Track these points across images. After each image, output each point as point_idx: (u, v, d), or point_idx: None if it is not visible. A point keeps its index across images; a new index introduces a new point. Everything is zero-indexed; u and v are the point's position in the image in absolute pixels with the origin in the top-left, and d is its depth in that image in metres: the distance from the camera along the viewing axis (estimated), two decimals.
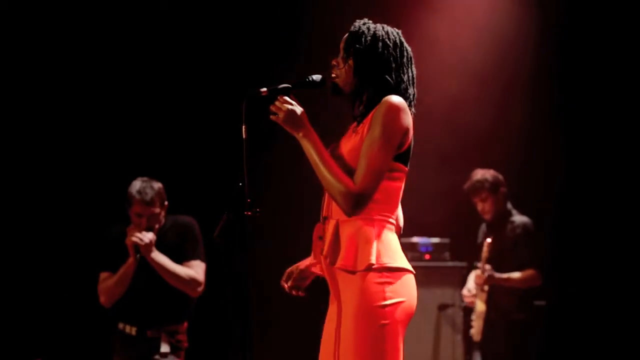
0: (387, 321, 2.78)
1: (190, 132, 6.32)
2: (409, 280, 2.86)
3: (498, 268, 5.46)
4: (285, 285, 3.07)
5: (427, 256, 6.08)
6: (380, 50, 2.91)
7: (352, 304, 2.81)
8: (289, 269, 3.09)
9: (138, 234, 4.50)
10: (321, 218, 2.97)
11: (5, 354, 6.05)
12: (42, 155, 6.21)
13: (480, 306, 5.52)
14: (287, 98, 2.89)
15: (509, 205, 5.64)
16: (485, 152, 6.14)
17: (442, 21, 6.19)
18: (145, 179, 4.64)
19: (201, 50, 6.31)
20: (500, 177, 5.62)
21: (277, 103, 2.88)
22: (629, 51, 6.05)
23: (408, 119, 2.84)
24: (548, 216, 6.19)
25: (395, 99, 2.83)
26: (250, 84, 3.02)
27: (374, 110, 2.85)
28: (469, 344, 5.82)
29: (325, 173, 2.82)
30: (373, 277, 2.80)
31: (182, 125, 6.31)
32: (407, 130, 2.84)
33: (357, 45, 2.91)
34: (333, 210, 2.91)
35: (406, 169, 2.91)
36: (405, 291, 2.83)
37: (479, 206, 5.65)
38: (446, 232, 5.96)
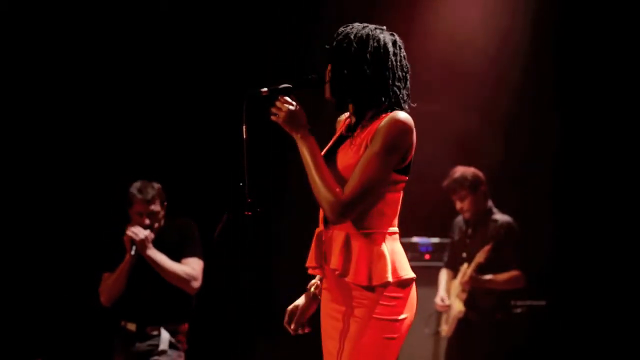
0: (395, 335, 2.81)
1: (190, 132, 6.32)
2: (414, 291, 2.89)
3: (480, 267, 5.43)
4: (290, 328, 3.03)
5: (427, 256, 6.08)
6: (344, 46, 2.86)
7: (362, 313, 2.81)
8: (289, 309, 3.06)
9: (134, 229, 4.58)
10: (321, 224, 2.95)
11: (5, 354, 6.05)
12: (43, 155, 6.21)
13: (458, 306, 5.49)
14: (287, 98, 2.89)
15: (490, 204, 5.60)
16: (487, 151, 6.13)
17: (437, 18, 6.20)
18: (144, 180, 4.75)
19: (201, 50, 6.31)
20: (481, 175, 5.54)
21: (277, 103, 2.88)
22: (626, 46, 6.03)
23: (412, 138, 2.81)
24: (547, 216, 6.19)
25: (402, 115, 2.80)
26: (251, 84, 3.02)
27: (376, 123, 2.82)
28: (437, 340, 5.83)
29: (316, 178, 2.81)
30: (388, 291, 2.81)
31: (183, 125, 6.31)
32: (409, 147, 2.82)
33: (337, 51, 2.88)
34: None
35: (407, 178, 2.89)
36: (411, 306, 2.86)
37: (458, 205, 5.58)
38: (446, 232, 5.96)
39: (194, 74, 6.31)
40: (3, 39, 6.10)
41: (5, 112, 6.16)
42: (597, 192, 6.14)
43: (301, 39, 6.15)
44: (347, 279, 2.83)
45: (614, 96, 6.07)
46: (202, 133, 6.31)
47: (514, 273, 5.43)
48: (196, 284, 4.70)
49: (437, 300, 5.64)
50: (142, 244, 4.56)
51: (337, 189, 2.78)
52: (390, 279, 2.79)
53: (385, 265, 2.80)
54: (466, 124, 6.23)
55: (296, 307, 3.06)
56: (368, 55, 2.84)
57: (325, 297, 2.95)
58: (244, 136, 2.90)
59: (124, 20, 6.23)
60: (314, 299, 3.06)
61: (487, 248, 5.37)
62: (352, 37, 2.86)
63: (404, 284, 2.84)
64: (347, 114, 3.03)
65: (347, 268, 2.82)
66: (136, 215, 4.68)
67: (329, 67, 2.92)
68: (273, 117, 2.89)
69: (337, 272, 2.84)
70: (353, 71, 2.85)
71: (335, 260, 2.84)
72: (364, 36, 2.86)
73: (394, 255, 2.84)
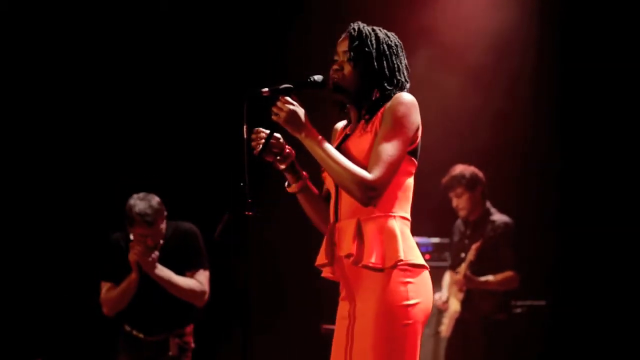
0: (409, 321, 2.82)
1: (191, 133, 6.32)
2: (427, 278, 2.92)
3: (479, 268, 5.42)
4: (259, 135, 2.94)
5: (427, 256, 6.07)
6: (387, 52, 2.94)
7: (374, 302, 2.82)
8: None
9: (139, 252, 4.46)
10: (332, 217, 2.97)
11: (5, 354, 6.05)
12: (45, 157, 6.21)
13: (455, 306, 5.50)
14: (288, 98, 2.89)
15: (488, 204, 5.60)
16: (487, 152, 6.13)
17: (441, 17, 6.19)
18: (141, 195, 4.54)
19: (201, 50, 6.31)
20: (480, 174, 5.55)
21: (278, 103, 2.88)
22: (632, 46, 6.02)
23: (419, 116, 2.89)
24: (549, 217, 6.19)
25: (407, 96, 2.88)
26: (251, 84, 3.02)
27: (383, 108, 2.88)
28: (437, 340, 5.83)
29: (336, 166, 2.83)
30: (397, 275, 2.82)
31: (183, 125, 6.31)
32: (418, 126, 2.89)
33: (366, 49, 2.93)
34: (343, 212, 2.92)
35: (416, 163, 2.95)
36: (424, 290, 2.89)
37: (454, 202, 5.60)
38: (446, 232, 5.96)
39: (194, 75, 6.31)
40: (3, 39, 6.09)
41: (4, 115, 6.15)
42: (599, 193, 6.13)
43: (302, 39, 6.15)
44: (360, 264, 2.83)
45: (621, 95, 6.06)
46: (202, 133, 6.31)
47: (507, 274, 5.44)
48: (204, 297, 4.67)
49: (436, 296, 5.64)
50: (149, 266, 4.47)
51: (362, 171, 2.81)
52: (402, 256, 2.81)
53: (396, 245, 2.83)
54: (470, 121, 6.23)
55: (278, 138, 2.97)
56: (405, 64, 2.98)
57: (341, 307, 2.96)
58: (245, 136, 2.90)
59: (123, 20, 6.23)
60: (287, 154, 2.98)
61: (475, 246, 5.39)
62: (390, 42, 2.95)
63: (414, 267, 2.85)
64: (343, 123, 3.10)
65: (360, 252, 2.84)
66: (137, 235, 4.50)
67: (353, 68, 2.93)
68: (274, 117, 2.89)
69: (351, 258, 2.85)
70: (396, 78, 2.94)
71: (347, 246, 2.86)
72: (398, 43, 2.97)
73: (405, 238, 2.87)
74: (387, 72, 2.93)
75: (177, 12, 6.30)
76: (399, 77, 2.94)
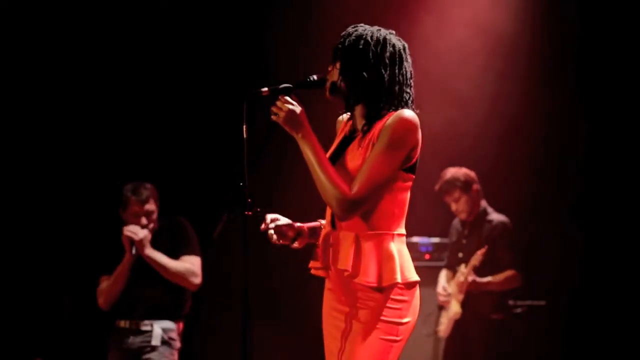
0: (399, 338, 2.83)
1: (190, 132, 6.31)
2: (418, 295, 2.91)
3: (479, 270, 5.42)
4: (267, 221, 2.94)
5: (427, 256, 6.07)
6: (360, 47, 2.87)
7: (367, 316, 2.82)
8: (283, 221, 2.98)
9: (131, 229, 4.62)
10: (328, 225, 2.95)
11: (5, 354, 6.05)
12: (41, 155, 6.21)
13: (455, 307, 5.50)
14: (288, 98, 2.89)
15: (484, 203, 5.60)
16: (487, 152, 6.12)
17: (444, 20, 6.18)
18: (136, 181, 4.79)
19: (201, 49, 6.31)
20: (472, 174, 5.55)
21: (278, 103, 2.88)
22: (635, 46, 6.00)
23: (418, 135, 2.84)
24: (550, 217, 6.19)
25: (407, 113, 2.82)
26: (251, 84, 3.02)
27: (382, 121, 2.84)
28: (437, 340, 5.83)
29: (321, 176, 2.82)
30: (395, 293, 2.82)
31: (183, 125, 6.31)
32: (415, 145, 2.84)
33: (339, 46, 2.92)
34: (339, 221, 2.90)
35: (413, 177, 2.92)
36: (415, 310, 2.88)
37: (453, 206, 5.60)
38: (446, 232, 5.96)
39: (194, 73, 6.30)
40: (2, 38, 6.09)
41: (4, 112, 6.15)
42: (600, 193, 6.12)
43: (302, 38, 6.14)
44: (356, 280, 2.83)
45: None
46: (202, 133, 6.30)
47: (509, 273, 5.44)
48: (196, 280, 4.74)
49: (439, 289, 5.62)
50: (140, 244, 4.60)
51: (344, 186, 2.79)
52: (399, 279, 2.81)
53: (394, 266, 2.82)
54: (472, 121, 6.22)
55: (290, 224, 2.98)
56: (387, 60, 2.88)
57: (328, 297, 2.97)
58: (244, 136, 2.90)
59: (123, 18, 6.22)
60: (299, 234, 2.99)
61: (481, 251, 5.37)
62: (368, 39, 2.89)
63: (410, 285, 2.86)
64: (347, 115, 3.05)
65: (357, 268, 2.83)
66: (132, 216, 4.72)
67: (338, 67, 2.92)
68: (273, 117, 2.89)
69: (346, 273, 2.84)
70: (372, 74, 2.88)
71: (344, 261, 2.85)
72: (381, 39, 2.90)
73: (401, 256, 2.86)
74: (358, 67, 2.87)
75: (177, 9, 6.30)
76: (371, 72, 2.86)
